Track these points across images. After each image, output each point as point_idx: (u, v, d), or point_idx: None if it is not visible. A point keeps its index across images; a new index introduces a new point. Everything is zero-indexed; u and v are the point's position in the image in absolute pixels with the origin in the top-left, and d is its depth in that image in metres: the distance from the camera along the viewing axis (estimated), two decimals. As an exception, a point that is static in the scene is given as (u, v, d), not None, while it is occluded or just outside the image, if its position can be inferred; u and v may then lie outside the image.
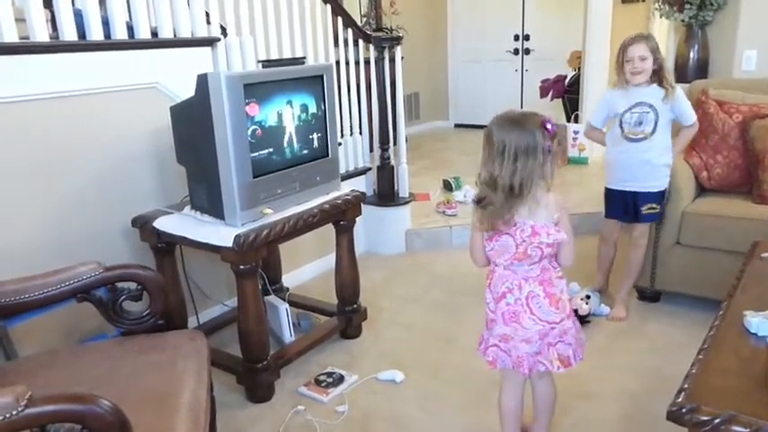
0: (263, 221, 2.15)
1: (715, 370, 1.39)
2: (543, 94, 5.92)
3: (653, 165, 2.60)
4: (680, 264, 2.74)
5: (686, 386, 1.32)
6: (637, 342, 2.60)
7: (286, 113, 2.21)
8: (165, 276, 2.22)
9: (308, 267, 3.36)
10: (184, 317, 2.41)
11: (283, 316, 2.55)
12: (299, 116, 2.28)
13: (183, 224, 2.20)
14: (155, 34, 2.43)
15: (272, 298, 2.66)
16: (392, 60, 3.54)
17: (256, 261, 2.12)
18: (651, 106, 2.54)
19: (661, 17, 3.84)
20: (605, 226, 2.88)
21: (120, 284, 1.74)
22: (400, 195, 3.74)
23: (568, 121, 5.68)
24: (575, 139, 5.29)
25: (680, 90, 2.57)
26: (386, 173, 3.68)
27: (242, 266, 2.08)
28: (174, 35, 2.47)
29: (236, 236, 2.03)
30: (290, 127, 2.25)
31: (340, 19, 3.33)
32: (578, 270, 2.86)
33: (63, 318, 2.14)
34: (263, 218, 2.16)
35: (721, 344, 1.50)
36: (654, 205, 2.64)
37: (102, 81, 2.24)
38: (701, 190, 2.95)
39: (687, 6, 3.52)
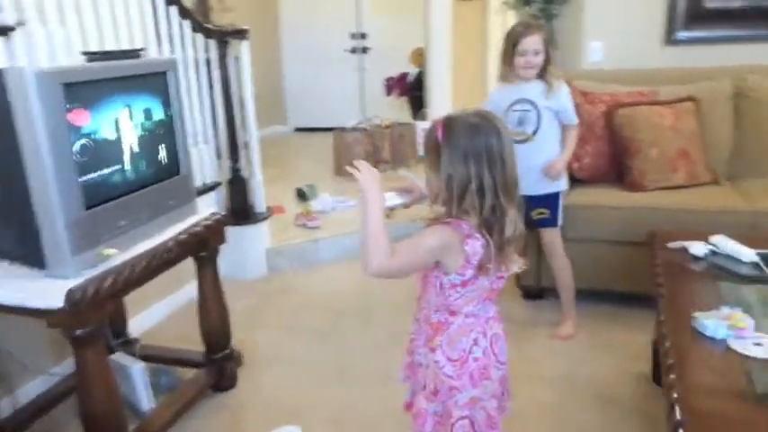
0: (105, 266, 1.63)
1: (697, 392, 1.21)
2: (389, 92, 5.80)
3: (538, 169, 2.36)
4: (565, 259, 2.67)
5: (679, 418, 1.12)
6: (534, 347, 2.46)
7: (124, 121, 1.71)
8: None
9: (156, 307, 2.79)
10: (-3, 405, 1.79)
11: (138, 379, 2.02)
12: (142, 124, 1.78)
13: (-16, 280, 1.60)
14: None
15: (119, 357, 2.10)
16: (236, 58, 3.09)
17: (100, 321, 1.59)
18: (532, 103, 2.32)
19: (510, 9, 3.82)
20: None
21: None
22: (256, 211, 3.30)
23: (415, 118, 5.60)
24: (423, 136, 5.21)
25: (565, 86, 2.38)
26: (238, 186, 3.22)
27: (80, 331, 1.54)
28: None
29: (70, 291, 1.49)
30: (131, 138, 1.74)
31: (175, 9, 2.80)
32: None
33: None
34: (105, 261, 1.64)
35: (684, 355, 1.34)
36: (543, 210, 2.42)
37: None
38: (572, 181, 2.91)
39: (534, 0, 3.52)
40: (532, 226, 2.42)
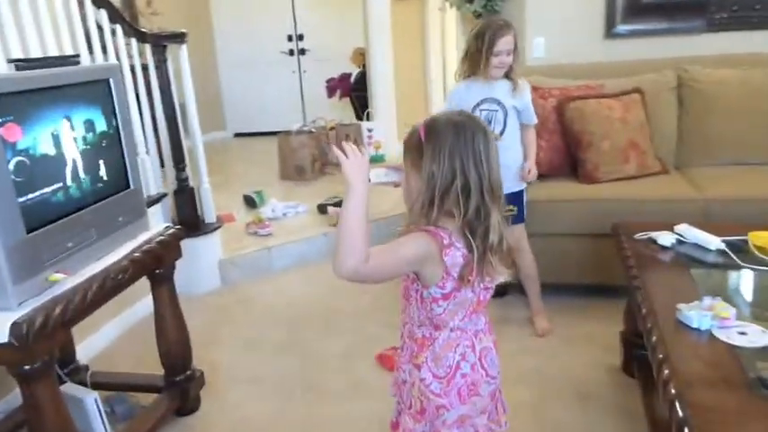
0: (53, 292, 1.48)
1: (693, 385, 1.20)
2: (330, 93, 5.70)
3: (507, 168, 2.30)
4: (526, 254, 2.66)
5: (681, 415, 1.10)
6: (504, 345, 2.42)
7: (65, 135, 1.56)
8: None
9: (105, 329, 2.60)
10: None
11: (92, 410, 1.86)
12: (85, 137, 1.64)
13: None
14: None
15: (69, 387, 1.93)
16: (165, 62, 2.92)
17: (51, 354, 1.44)
18: (499, 103, 2.31)
19: (451, 7, 3.81)
20: None
21: None
22: (206, 221, 3.15)
23: (359, 119, 5.53)
24: (369, 136, 5.16)
25: (528, 85, 2.39)
26: (186, 197, 3.06)
27: (29, 367, 1.39)
28: None
29: (14, 324, 1.34)
30: (74, 153, 1.59)
31: (104, 12, 2.62)
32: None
33: None
34: (52, 287, 1.49)
35: (673, 348, 1.32)
36: (511, 207, 2.33)
37: None
38: (529, 176, 2.92)
39: (477, -4, 3.52)
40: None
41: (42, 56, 2.30)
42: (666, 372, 1.23)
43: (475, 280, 1.18)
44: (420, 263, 1.16)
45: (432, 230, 1.16)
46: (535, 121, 2.43)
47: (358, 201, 1.11)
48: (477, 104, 2.32)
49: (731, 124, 2.93)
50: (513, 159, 2.38)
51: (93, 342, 2.51)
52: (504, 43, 2.22)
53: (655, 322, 1.42)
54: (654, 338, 1.37)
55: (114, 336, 2.64)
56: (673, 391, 1.17)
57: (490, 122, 2.33)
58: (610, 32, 3.40)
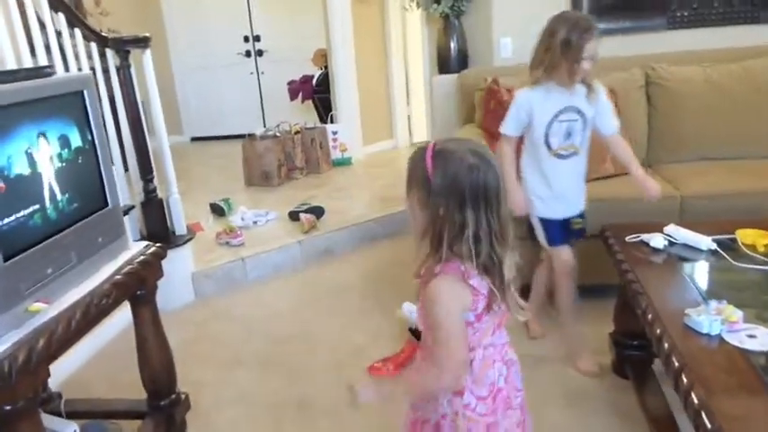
0: (33, 324, 1.37)
1: (717, 393, 1.18)
2: (293, 96, 5.58)
3: (581, 183, 2.18)
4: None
5: (711, 426, 1.09)
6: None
7: (39, 153, 1.45)
8: None
9: (75, 351, 2.45)
10: None
11: (73, 444, 1.75)
12: (60, 154, 1.52)
13: None
14: None
15: (44, 419, 1.80)
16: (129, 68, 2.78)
17: (35, 390, 1.34)
18: (579, 112, 2.05)
19: (418, 8, 3.78)
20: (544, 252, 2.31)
21: None
22: (177, 233, 3.03)
23: (323, 121, 5.45)
24: (334, 139, 5.08)
25: (601, 86, 2.10)
26: (154, 209, 2.93)
27: (11, 407, 1.28)
28: None
29: (-5, 362, 1.24)
30: (49, 172, 1.48)
31: (62, 16, 2.47)
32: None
33: None
34: (32, 318, 1.38)
35: (688, 356, 1.32)
36: (579, 220, 2.21)
37: None
38: (506, 178, 2.92)
39: (443, -3, 3.50)
40: (572, 238, 2.23)
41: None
42: (686, 381, 1.22)
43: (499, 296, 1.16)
44: (461, 302, 1.13)
45: (444, 268, 1.12)
46: (615, 128, 2.14)
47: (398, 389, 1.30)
48: (556, 115, 2.06)
49: (697, 121, 3.01)
50: (582, 177, 2.19)
51: (63, 366, 2.36)
52: (592, 48, 1.95)
53: (664, 329, 1.42)
54: (666, 345, 1.36)
55: (85, 358, 2.50)
56: (696, 400, 1.16)
57: (570, 134, 2.09)
58: (576, 32, 3.42)
